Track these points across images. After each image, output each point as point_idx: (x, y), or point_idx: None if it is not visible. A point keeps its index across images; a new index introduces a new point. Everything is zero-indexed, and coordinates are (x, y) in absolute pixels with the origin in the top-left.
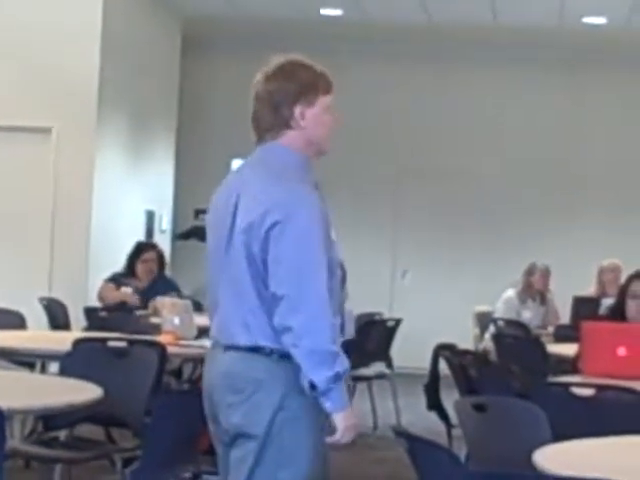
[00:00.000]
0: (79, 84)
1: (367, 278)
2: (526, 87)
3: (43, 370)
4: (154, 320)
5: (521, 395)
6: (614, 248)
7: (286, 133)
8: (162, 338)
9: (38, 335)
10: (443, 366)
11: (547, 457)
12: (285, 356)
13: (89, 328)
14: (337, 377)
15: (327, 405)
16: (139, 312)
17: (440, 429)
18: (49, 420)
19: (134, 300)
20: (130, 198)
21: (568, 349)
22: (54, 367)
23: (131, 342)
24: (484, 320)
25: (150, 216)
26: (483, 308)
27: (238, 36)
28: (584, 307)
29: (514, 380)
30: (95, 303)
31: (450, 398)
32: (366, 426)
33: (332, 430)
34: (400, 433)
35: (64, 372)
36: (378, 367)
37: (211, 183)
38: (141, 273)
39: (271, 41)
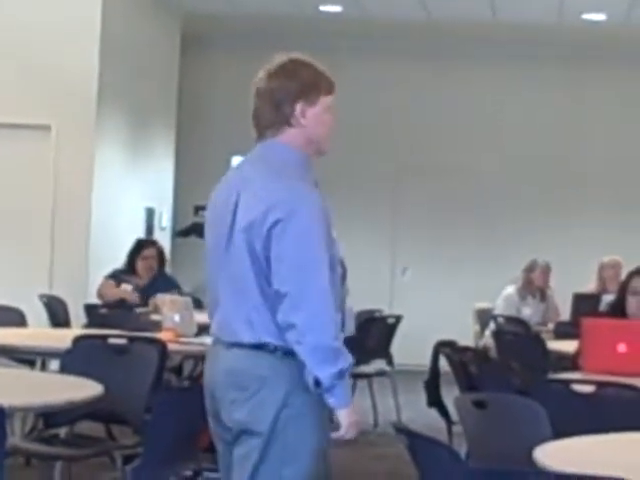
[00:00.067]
0: (79, 82)
1: (367, 275)
2: (525, 84)
3: (43, 367)
4: (154, 317)
5: (521, 392)
6: (613, 245)
7: (286, 131)
8: (162, 335)
9: (38, 332)
10: (443, 363)
11: (547, 454)
12: (289, 353)
13: (89, 325)
14: (341, 373)
15: (331, 401)
16: (139, 310)
17: (440, 426)
18: (49, 417)
19: (133, 298)
20: (130, 195)
21: (568, 346)
22: (54, 364)
23: (131, 339)
24: (484, 317)
25: (150, 213)
26: (483, 305)
27: (237, 33)
28: (584, 304)
29: (514, 377)
30: (95, 300)
31: (450, 395)
32: (367, 423)
33: (336, 426)
34: (400, 430)
35: (64, 369)
36: (378, 364)
37: (211, 180)
38: (141, 270)
39: (270, 38)
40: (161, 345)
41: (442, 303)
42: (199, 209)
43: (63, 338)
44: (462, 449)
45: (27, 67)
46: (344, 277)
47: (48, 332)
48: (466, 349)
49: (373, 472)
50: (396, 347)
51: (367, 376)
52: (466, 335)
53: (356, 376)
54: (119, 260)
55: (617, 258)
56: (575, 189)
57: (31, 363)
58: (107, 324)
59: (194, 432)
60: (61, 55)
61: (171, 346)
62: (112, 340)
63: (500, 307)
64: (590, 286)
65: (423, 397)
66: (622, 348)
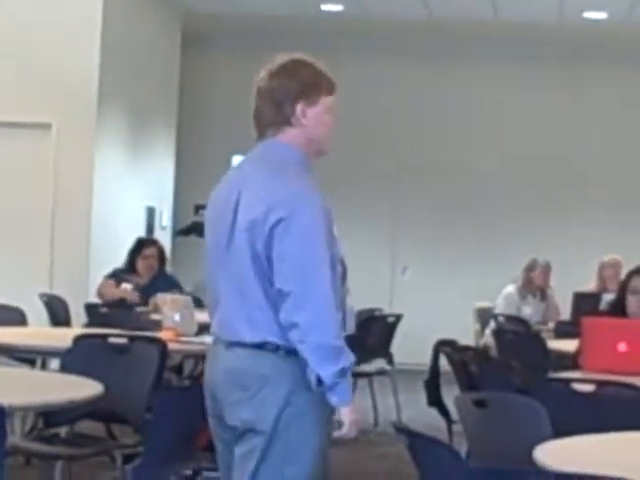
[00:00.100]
0: (79, 81)
1: (367, 274)
2: (526, 83)
3: (44, 366)
4: (155, 317)
5: (521, 391)
6: (613, 245)
7: (287, 130)
8: (163, 334)
9: (39, 331)
10: (444, 362)
11: (548, 453)
12: (291, 352)
13: (90, 324)
14: (343, 372)
15: (333, 400)
16: (139, 309)
17: (441, 425)
18: (50, 416)
19: (133, 297)
20: (130, 194)
21: (568, 345)
22: (55, 363)
23: (132, 338)
24: (484, 316)
25: (150, 212)
26: (483, 304)
27: (238, 33)
28: (584, 303)
29: (514, 376)
30: (96, 299)
31: (451, 394)
32: (367, 422)
33: (338, 424)
34: (401, 429)
35: (65, 368)
36: (379, 363)
37: (211, 179)
38: (142, 269)
39: (271, 38)
40: (161, 344)
41: (442, 302)
42: (199, 208)
43: (63, 337)
44: (462, 448)
45: (27, 67)
46: (345, 276)
47: (48, 331)
48: (466, 348)
49: (373, 472)
50: (396, 346)
51: (367, 375)
52: (466, 334)
53: (356, 375)
54: (119, 259)
55: (617, 257)
56: (575, 189)
57: (31, 362)
58: (107, 323)
59: (194, 431)
60: (61, 55)
61: (171, 345)
62: (112, 339)
63: (500, 306)
64: (590, 285)
65: (423, 396)
66: (622, 347)
